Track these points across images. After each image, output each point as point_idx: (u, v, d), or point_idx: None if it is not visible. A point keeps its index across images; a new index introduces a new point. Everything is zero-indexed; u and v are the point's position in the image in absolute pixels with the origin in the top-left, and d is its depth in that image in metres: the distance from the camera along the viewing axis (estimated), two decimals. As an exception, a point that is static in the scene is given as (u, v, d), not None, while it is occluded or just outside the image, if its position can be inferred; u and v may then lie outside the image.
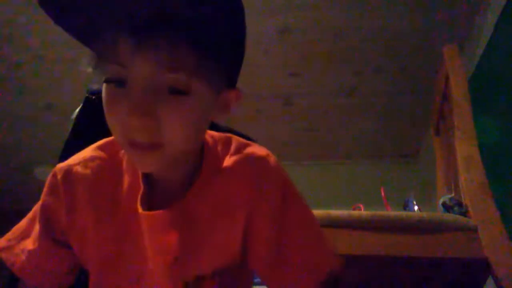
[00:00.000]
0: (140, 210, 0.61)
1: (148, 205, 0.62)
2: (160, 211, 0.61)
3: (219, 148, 0.67)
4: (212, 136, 0.69)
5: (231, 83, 0.62)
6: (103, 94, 0.54)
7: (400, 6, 2.06)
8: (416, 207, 1.56)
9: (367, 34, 2.20)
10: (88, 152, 0.69)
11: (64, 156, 0.73)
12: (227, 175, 0.64)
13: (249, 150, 0.67)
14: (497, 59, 1.89)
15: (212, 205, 0.63)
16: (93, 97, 0.89)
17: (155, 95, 0.51)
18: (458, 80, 1.55)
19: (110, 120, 0.54)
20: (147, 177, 0.64)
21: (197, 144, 0.63)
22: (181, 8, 0.47)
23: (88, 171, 0.66)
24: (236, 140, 0.69)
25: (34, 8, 2.03)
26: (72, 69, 2.37)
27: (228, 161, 0.66)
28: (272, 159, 0.66)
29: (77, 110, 1.00)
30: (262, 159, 0.66)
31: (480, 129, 1.44)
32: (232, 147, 0.67)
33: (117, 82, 0.52)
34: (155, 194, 0.64)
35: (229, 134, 0.70)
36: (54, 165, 0.72)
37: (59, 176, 0.66)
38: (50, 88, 2.58)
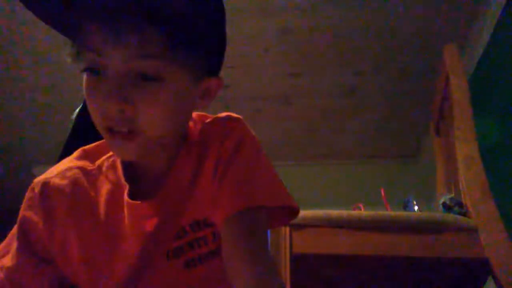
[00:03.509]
0: (127, 199, 0.62)
1: (133, 198, 0.63)
2: (145, 202, 0.62)
3: (197, 126, 0.68)
4: (192, 119, 0.69)
5: (212, 71, 0.63)
6: (83, 84, 0.56)
7: (400, 6, 2.06)
8: (416, 207, 1.56)
9: (367, 34, 2.20)
10: (65, 163, 0.69)
11: (64, 156, 0.73)
12: (201, 143, 0.66)
13: (217, 116, 0.69)
14: (497, 59, 1.89)
15: (191, 174, 0.64)
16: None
17: (130, 81, 0.53)
18: (458, 80, 1.55)
19: (90, 108, 0.56)
20: (128, 174, 0.65)
21: (177, 131, 0.64)
22: None
23: (65, 182, 0.66)
24: (206, 114, 0.70)
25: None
26: (72, 69, 2.37)
27: (201, 130, 0.67)
28: (236, 117, 0.68)
29: (77, 110, 1.00)
30: (227, 120, 0.67)
31: (480, 129, 1.44)
32: (204, 119, 0.69)
33: (95, 71, 0.54)
34: (138, 187, 0.64)
35: (203, 113, 0.71)
36: (53, 165, 0.72)
37: (36, 190, 0.66)
38: (50, 88, 2.58)
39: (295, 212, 0.66)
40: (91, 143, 0.73)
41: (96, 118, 0.56)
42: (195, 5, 0.54)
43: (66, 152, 0.74)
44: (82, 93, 0.56)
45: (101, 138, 0.72)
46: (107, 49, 0.52)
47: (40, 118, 2.78)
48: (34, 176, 0.69)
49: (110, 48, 0.52)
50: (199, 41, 0.57)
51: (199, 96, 0.62)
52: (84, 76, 0.56)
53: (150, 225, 0.63)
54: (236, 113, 0.69)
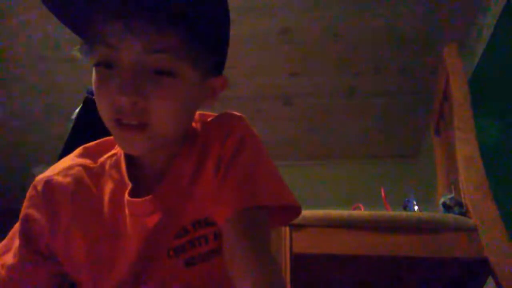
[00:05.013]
0: (127, 197, 0.63)
1: (134, 196, 0.63)
2: (143, 199, 0.62)
3: (198, 124, 0.69)
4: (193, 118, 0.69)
5: (217, 70, 0.64)
6: (93, 78, 0.56)
7: (400, 6, 2.06)
8: (416, 207, 1.56)
9: (367, 34, 2.20)
10: (67, 161, 0.70)
11: (64, 156, 0.73)
12: (202, 141, 0.66)
13: (218, 114, 0.69)
14: (497, 59, 1.89)
15: (191, 172, 0.64)
16: (93, 97, 0.89)
17: (143, 75, 0.54)
18: (458, 80, 1.55)
19: (100, 101, 0.56)
20: (130, 173, 0.65)
21: (183, 129, 0.64)
22: None
23: (68, 179, 0.66)
24: (207, 113, 0.70)
25: (37, 8, 2.04)
26: (72, 69, 2.38)
27: (202, 129, 0.68)
28: (237, 116, 0.68)
29: (77, 110, 1.00)
30: (229, 119, 0.68)
31: (480, 129, 1.44)
32: (205, 118, 0.69)
33: (107, 65, 0.54)
34: (140, 186, 0.65)
35: (204, 112, 0.71)
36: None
37: (39, 188, 0.66)
38: (50, 88, 2.58)
39: (297, 211, 0.66)
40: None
41: (105, 111, 0.56)
42: (207, 3, 0.55)
43: (66, 152, 0.74)
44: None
45: (101, 138, 0.72)
46: (122, 42, 0.52)
47: (40, 118, 2.78)
48: (34, 176, 0.69)
49: (125, 41, 0.52)
50: (210, 39, 0.58)
51: (205, 95, 0.63)
52: (94, 70, 0.56)
53: (150, 223, 0.63)
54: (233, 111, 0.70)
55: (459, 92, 1.52)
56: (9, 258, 0.65)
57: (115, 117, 0.55)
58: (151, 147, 0.59)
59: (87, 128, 0.88)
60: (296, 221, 1.14)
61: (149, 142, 0.57)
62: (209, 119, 0.69)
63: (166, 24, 0.52)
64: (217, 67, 0.64)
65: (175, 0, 0.52)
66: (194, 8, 0.53)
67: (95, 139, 0.73)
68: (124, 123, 0.55)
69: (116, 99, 0.53)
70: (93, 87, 0.56)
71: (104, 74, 0.55)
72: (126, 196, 0.63)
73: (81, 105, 0.99)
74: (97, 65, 0.55)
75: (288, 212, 0.67)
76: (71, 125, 0.99)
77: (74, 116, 1.00)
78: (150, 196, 0.62)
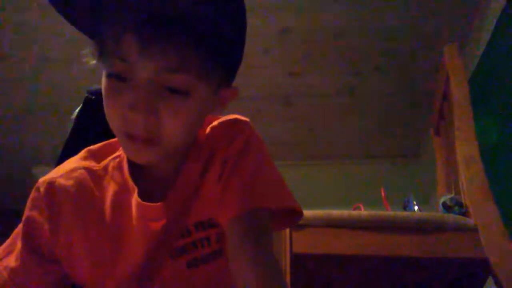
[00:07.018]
0: (138, 200, 0.63)
1: (141, 198, 0.63)
2: (157, 204, 0.62)
3: (205, 128, 0.69)
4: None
5: (229, 81, 0.64)
6: (103, 87, 0.56)
7: (400, 6, 2.06)
8: (416, 207, 1.56)
9: (367, 34, 2.20)
10: (70, 163, 0.70)
11: (64, 156, 0.73)
12: (208, 145, 0.66)
13: (224, 118, 0.70)
14: (497, 59, 1.89)
15: (198, 176, 0.65)
16: (93, 97, 0.89)
17: (158, 93, 0.53)
18: (458, 80, 1.55)
19: (110, 113, 0.56)
20: (134, 174, 0.65)
21: (191, 139, 0.65)
22: (186, 9, 0.50)
23: (71, 182, 0.66)
24: (213, 116, 0.71)
25: (37, 8, 2.03)
26: (73, 69, 2.38)
27: (209, 133, 0.68)
28: (243, 120, 0.69)
29: (77, 110, 1.00)
30: (234, 123, 0.68)
31: (480, 129, 1.44)
32: (211, 121, 0.70)
33: (119, 77, 0.54)
34: (144, 188, 0.65)
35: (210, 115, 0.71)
36: (54, 165, 0.72)
37: (41, 189, 0.66)
38: (50, 88, 2.58)
39: (299, 215, 0.67)
40: (90, 143, 0.73)
41: (116, 123, 0.56)
42: (229, 24, 0.55)
43: (66, 152, 0.74)
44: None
45: (101, 138, 0.72)
46: (138, 59, 0.52)
47: (40, 118, 2.77)
48: (34, 176, 0.69)
49: (145, 61, 0.52)
50: (227, 59, 0.58)
51: (215, 105, 0.63)
52: (105, 79, 0.55)
53: (157, 226, 0.63)
54: (236, 113, 0.70)
55: (459, 92, 1.52)
56: (11, 260, 0.65)
57: (125, 130, 0.55)
58: (158, 160, 0.59)
59: (87, 128, 0.88)
60: (296, 221, 1.14)
61: (158, 155, 0.58)
62: (215, 122, 0.69)
63: (186, 45, 0.52)
64: (230, 79, 0.64)
65: (196, 21, 0.51)
66: (216, 29, 0.53)
67: (95, 139, 0.72)
68: (134, 136, 0.55)
69: (128, 114, 0.53)
70: (103, 96, 0.56)
71: (116, 86, 0.54)
72: (138, 199, 0.63)
73: (81, 105, 0.99)
74: (109, 75, 0.55)
75: (289, 216, 0.67)
76: (71, 125, 0.99)
77: (74, 116, 1.00)
78: (162, 202, 0.63)
